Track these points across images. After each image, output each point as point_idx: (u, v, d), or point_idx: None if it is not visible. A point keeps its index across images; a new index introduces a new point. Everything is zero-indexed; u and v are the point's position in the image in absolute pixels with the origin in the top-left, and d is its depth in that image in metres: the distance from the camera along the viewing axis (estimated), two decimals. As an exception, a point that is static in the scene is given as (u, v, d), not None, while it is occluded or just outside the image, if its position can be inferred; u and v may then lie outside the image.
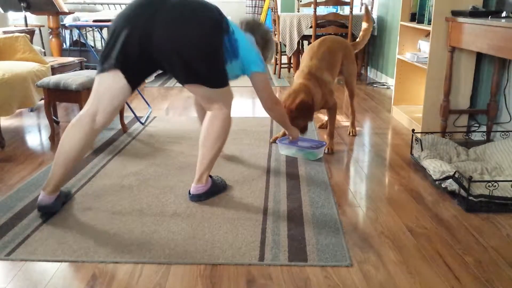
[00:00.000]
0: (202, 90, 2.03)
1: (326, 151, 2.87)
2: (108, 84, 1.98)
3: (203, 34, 1.93)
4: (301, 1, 6.74)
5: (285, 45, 5.42)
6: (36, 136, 3.26)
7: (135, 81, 2.02)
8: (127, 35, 1.90)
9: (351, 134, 3.25)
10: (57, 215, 2.03)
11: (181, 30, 1.89)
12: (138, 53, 1.93)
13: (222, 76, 2.05)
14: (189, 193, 2.19)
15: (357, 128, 3.42)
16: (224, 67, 2.05)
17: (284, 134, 3.05)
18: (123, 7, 6.86)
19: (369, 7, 3.49)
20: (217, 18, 2.00)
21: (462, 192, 2.15)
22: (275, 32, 5.62)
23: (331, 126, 2.93)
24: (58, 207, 2.06)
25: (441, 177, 2.29)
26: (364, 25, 3.40)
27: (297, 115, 2.65)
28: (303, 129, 2.78)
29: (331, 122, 2.92)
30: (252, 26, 2.35)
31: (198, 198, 2.17)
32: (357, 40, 3.37)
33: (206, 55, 1.95)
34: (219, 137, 2.10)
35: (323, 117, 3.69)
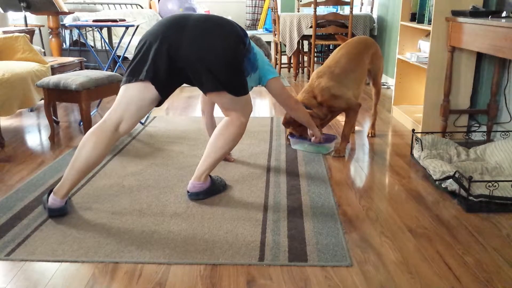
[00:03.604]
0: (224, 99, 2.09)
1: (333, 153, 2.83)
2: (136, 94, 2.03)
3: (228, 45, 2.01)
4: (301, 1, 6.74)
5: (285, 45, 5.42)
6: (36, 136, 3.26)
7: (164, 92, 2.08)
8: (156, 49, 1.98)
9: (370, 135, 3.25)
10: (57, 215, 2.04)
11: (207, 42, 1.98)
12: (166, 65, 1.99)
13: (244, 84, 2.12)
14: (188, 191, 2.20)
15: (356, 128, 3.42)
16: (245, 77, 2.14)
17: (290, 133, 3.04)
18: (123, 7, 6.87)
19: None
20: (240, 33, 2.08)
21: (462, 192, 2.15)
22: (275, 32, 5.62)
23: (345, 128, 2.87)
24: (68, 210, 2.08)
25: (441, 177, 2.29)
26: None
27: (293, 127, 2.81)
28: (301, 132, 2.90)
29: (346, 124, 2.87)
30: (256, 41, 2.57)
31: (196, 196, 2.18)
32: None
33: (230, 65, 2.02)
34: (230, 141, 2.14)
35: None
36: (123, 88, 2.06)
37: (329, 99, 2.75)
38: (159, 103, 2.12)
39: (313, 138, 2.77)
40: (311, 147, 2.85)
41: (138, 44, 2.06)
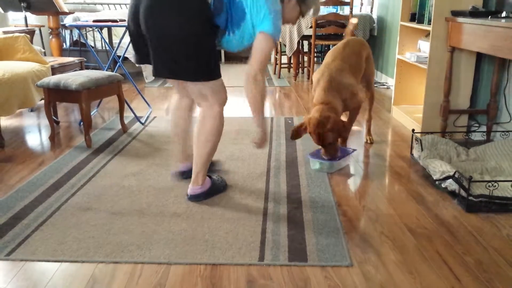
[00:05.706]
0: (189, 84, 1.99)
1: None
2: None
3: (181, 24, 1.80)
4: (301, 1, 6.73)
5: (285, 45, 5.42)
6: (36, 136, 3.26)
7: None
8: (133, 30, 2.00)
9: (368, 141, 3.08)
10: (57, 215, 2.03)
11: (159, 18, 1.82)
12: (144, 44, 1.98)
13: (207, 68, 1.92)
14: (187, 194, 2.19)
15: (356, 128, 3.42)
16: (210, 58, 1.91)
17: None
18: (123, 7, 6.87)
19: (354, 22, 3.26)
20: (198, 5, 1.82)
21: (462, 192, 2.15)
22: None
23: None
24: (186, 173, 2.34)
25: (441, 177, 2.29)
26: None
27: (332, 138, 2.46)
28: (336, 152, 2.56)
29: (348, 123, 2.72)
30: None
31: (196, 198, 2.17)
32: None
33: (183, 45, 1.84)
34: (212, 135, 2.06)
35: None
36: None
37: (350, 97, 2.62)
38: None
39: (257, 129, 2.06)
40: (325, 164, 2.54)
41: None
